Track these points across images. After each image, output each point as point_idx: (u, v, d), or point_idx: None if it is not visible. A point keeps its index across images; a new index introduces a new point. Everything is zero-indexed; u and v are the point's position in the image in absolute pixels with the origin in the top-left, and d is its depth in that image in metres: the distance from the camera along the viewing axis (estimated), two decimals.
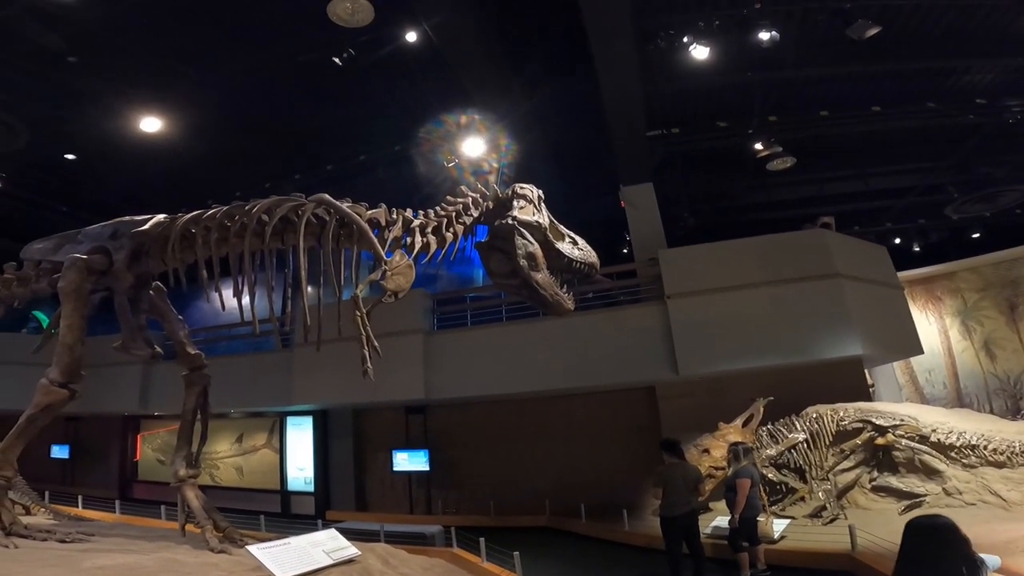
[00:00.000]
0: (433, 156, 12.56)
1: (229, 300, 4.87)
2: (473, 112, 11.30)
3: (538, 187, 4.55)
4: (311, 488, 12.70)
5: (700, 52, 7.87)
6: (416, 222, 4.38)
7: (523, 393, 10.42)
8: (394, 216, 4.41)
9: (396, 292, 4.24)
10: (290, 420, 13.09)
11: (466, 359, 10.22)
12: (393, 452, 11.79)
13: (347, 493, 12.55)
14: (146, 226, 5.04)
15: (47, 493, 8.89)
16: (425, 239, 4.36)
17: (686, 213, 12.17)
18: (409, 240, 4.33)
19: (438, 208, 4.55)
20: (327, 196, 4.38)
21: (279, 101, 11.10)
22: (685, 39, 7.70)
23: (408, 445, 11.90)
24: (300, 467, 12.89)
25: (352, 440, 12.65)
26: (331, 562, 3.93)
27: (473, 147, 11.97)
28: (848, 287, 8.62)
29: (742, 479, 6.19)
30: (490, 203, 4.54)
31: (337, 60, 9.54)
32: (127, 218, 5.33)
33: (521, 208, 4.35)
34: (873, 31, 7.69)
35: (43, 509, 7.98)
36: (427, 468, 11.54)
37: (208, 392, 5.40)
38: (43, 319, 15.54)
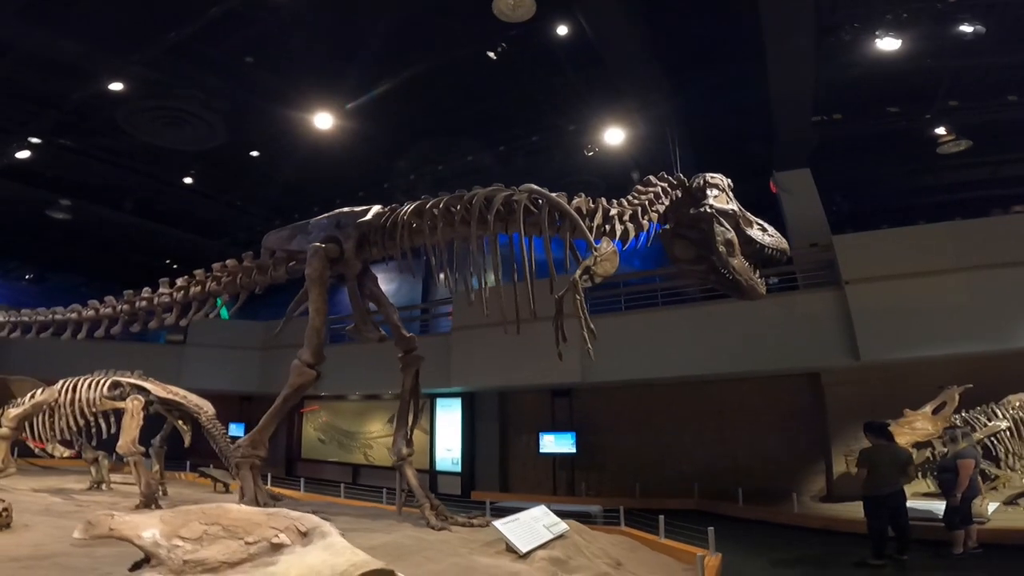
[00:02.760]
0: (575, 145, 12.99)
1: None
2: (618, 100, 11.60)
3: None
4: (458, 468, 13.46)
5: (888, 44, 7.72)
6: (613, 210, 4.57)
7: (675, 377, 10.54)
8: (593, 205, 4.62)
9: (603, 277, 4.54)
10: (439, 402, 13.94)
11: (621, 343, 10.47)
12: (540, 434, 12.27)
13: (491, 474, 13.19)
14: (368, 216, 5.58)
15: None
16: (624, 226, 4.54)
17: (839, 197, 11.81)
18: (609, 228, 4.53)
19: (630, 197, 4.72)
20: (535, 186, 4.66)
21: (432, 94, 11.59)
22: (876, 32, 7.56)
23: (553, 428, 12.34)
24: (448, 447, 13.70)
25: (497, 422, 13.29)
26: (551, 536, 4.33)
27: (615, 136, 12.31)
28: None
29: (966, 459, 6.12)
30: (678, 192, 4.70)
31: (491, 54, 10.15)
32: (346, 209, 5.91)
33: (715, 197, 4.54)
34: None
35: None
36: (574, 450, 11.92)
37: (419, 373, 5.81)
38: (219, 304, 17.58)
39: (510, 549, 4.05)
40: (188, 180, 14.17)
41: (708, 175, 4.67)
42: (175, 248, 17.26)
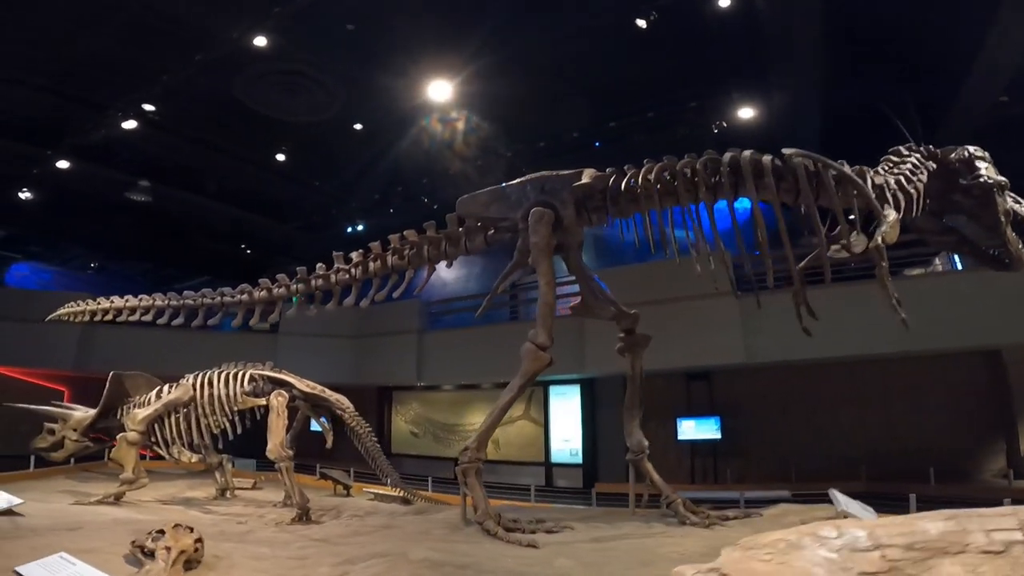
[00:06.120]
0: (698, 122, 12.55)
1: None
2: (761, 79, 11.22)
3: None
4: (577, 460, 12.85)
5: None
6: (879, 179, 4.35)
7: (846, 356, 10.15)
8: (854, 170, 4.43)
9: (888, 244, 4.30)
10: (553, 390, 13.27)
11: (784, 322, 10.08)
12: (677, 420, 11.78)
13: (615, 464, 12.55)
14: (586, 179, 5.02)
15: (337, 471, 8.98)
16: (893, 194, 4.32)
17: None
18: (877, 195, 4.27)
19: (884, 167, 4.45)
20: (804, 151, 4.29)
21: (560, 64, 11.06)
22: None
23: (690, 413, 11.87)
24: (565, 438, 13.07)
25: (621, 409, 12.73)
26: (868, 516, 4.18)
27: (746, 113, 12.01)
28: None
29: None
30: (931, 163, 4.46)
31: (642, 22, 9.64)
32: (547, 173, 5.22)
33: (986, 168, 4.30)
34: None
35: (411, 493, 7.77)
36: (718, 436, 11.48)
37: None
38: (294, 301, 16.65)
39: None
40: (280, 157, 13.19)
41: (971, 148, 4.39)
42: (244, 232, 16.18)
